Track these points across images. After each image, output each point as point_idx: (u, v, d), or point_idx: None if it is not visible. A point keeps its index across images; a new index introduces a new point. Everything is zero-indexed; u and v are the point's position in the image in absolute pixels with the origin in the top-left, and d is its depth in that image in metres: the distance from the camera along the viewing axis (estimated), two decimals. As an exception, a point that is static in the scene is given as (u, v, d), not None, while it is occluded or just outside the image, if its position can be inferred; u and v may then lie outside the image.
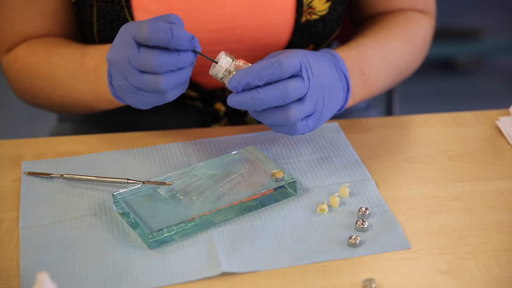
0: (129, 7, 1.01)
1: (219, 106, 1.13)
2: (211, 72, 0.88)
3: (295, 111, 0.86)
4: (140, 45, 0.84)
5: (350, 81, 0.95)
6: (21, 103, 1.19)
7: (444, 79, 2.77)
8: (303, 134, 0.92)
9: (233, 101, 0.86)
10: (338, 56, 0.95)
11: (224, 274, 0.79)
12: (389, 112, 1.49)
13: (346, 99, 0.96)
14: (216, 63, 0.88)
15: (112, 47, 0.86)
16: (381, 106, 1.52)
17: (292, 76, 0.86)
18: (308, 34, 1.06)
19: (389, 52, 1.05)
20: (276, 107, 0.87)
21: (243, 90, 0.86)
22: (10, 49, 1.08)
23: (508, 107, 1.09)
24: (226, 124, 1.14)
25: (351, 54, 1.00)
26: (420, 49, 1.12)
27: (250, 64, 0.88)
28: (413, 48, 1.10)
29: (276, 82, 0.86)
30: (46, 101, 1.07)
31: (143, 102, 0.87)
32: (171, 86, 0.85)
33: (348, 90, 0.94)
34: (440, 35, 2.69)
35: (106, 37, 1.04)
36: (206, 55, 0.88)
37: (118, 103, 0.99)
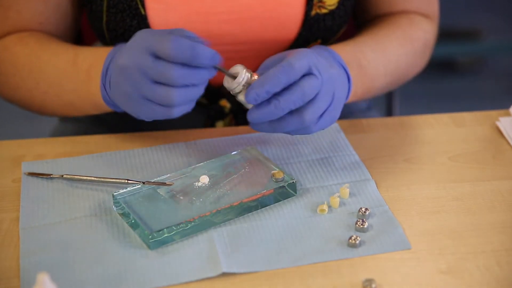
0: None
1: (224, 103, 1.13)
2: (226, 85, 0.88)
3: (310, 113, 0.86)
4: (158, 56, 0.83)
5: (349, 71, 0.94)
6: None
7: (444, 79, 2.77)
8: (322, 130, 0.91)
9: (254, 116, 0.86)
10: (331, 50, 0.95)
11: (224, 274, 0.79)
12: (389, 112, 1.49)
13: (349, 89, 0.95)
14: (235, 77, 0.87)
15: (126, 52, 0.85)
16: (381, 106, 1.52)
17: (303, 76, 0.86)
18: (317, 28, 1.07)
19: (387, 50, 1.06)
20: (290, 113, 0.86)
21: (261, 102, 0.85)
22: (2, 36, 1.06)
23: (508, 107, 1.09)
24: (230, 121, 1.14)
25: (346, 49, 1.00)
26: (420, 52, 1.12)
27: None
28: (412, 49, 1.10)
29: (290, 85, 0.85)
30: (26, 96, 1.04)
31: (147, 114, 0.86)
32: (182, 102, 0.84)
33: (349, 80, 0.94)
34: (440, 35, 2.68)
35: (116, 27, 1.04)
36: (225, 70, 0.87)
37: (104, 108, 0.97)
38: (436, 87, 2.71)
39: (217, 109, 1.13)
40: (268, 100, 0.85)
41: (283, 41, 1.07)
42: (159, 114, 0.85)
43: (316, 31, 1.07)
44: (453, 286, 0.79)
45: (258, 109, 0.86)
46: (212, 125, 1.14)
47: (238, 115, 1.14)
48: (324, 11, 1.06)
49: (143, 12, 1.02)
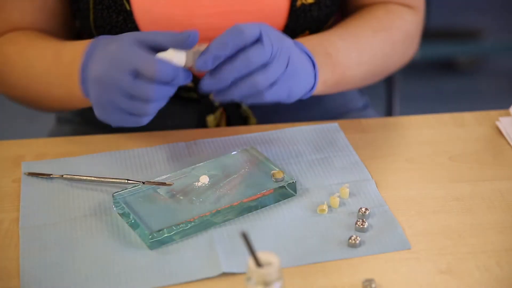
0: None
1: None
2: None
3: (261, 79, 0.86)
4: (138, 74, 0.84)
5: (313, 57, 0.94)
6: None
7: (444, 79, 2.77)
8: (277, 101, 0.90)
9: (203, 84, 0.86)
10: (295, 40, 0.94)
11: (224, 274, 0.79)
12: (389, 112, 1.49)
13: (315, 75, 0.95)
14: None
15: (104, 64, 0.85)
16: (381, 106, 1.52)
17: (254, 43, 0.86)
18: (304, 19, 1.06)
19: (359, 39, 1.04)
20: (243, 78, 0.86)
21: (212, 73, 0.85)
22: None
23: (508, 107, 1.09)
24: (221, 115, 1.13)
25: (311, 39, 0.99)
26: (401, 41, 1.09)
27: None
28: (390, 38, 1.07)
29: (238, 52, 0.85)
30: (22, 93, 1.05)
31: (116, 122, 0.88)
32: (154, 113, 0.86)
33: (314, 66, 0.93)
34: (440, 35, 2.69)
35: (103, 24, 1.04)
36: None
37: (89, 103, 0.96)
38: (436, 87, 2.71)
39: (207, 103, 1.13)
40: (216, 68, 0.85)
41: None
42: (130, 123, 0.87)
43: (303, 22, 1.06)
44: (453, 286, 0.79)
45: (207, 77, 0.86)
46: (203, 120, 1.13)
47: (229, 109, 1.14)
48: (309, 1, 1.05)
49: (128, 8, 1.02)
